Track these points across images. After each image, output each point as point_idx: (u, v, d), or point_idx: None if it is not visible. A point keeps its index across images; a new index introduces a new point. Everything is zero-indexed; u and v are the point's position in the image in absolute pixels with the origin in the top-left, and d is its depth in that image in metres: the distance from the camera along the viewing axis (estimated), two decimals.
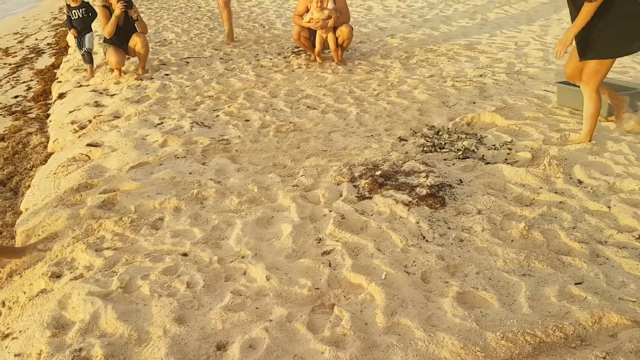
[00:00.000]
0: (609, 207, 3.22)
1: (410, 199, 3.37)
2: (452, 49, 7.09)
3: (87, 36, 6.89)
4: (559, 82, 4.92)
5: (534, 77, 5.77)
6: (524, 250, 2.83)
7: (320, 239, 3.06)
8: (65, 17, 7.27)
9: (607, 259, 2.79)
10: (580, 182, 3.54)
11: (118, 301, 2.63)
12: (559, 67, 6.01)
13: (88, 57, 6.98)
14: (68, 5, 6.85)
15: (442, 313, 2.43)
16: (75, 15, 6.81)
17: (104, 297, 2.66)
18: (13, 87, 7.93)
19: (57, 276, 2.93)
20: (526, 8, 9.06)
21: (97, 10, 6.70)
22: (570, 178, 3.59)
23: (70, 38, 7.43)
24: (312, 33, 6.75)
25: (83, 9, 6.84)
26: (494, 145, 4.15)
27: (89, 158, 4.46)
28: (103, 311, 2.54)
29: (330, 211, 3.32)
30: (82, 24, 6.87)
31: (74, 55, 8.09)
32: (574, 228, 3.04)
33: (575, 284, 2.59)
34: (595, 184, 3.48)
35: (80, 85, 6.79)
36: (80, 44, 6.93)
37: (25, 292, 2.87)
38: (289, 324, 2.41)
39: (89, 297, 2.64)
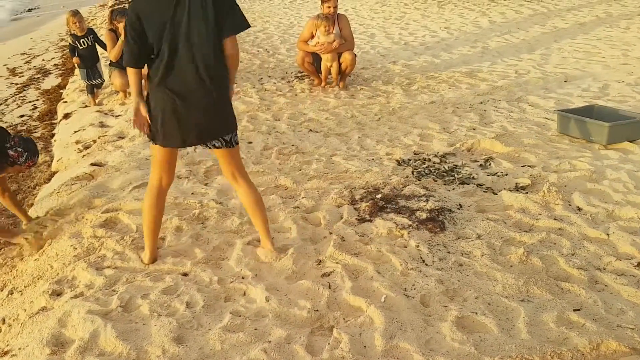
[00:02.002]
0: (608, 234, 3.24)
1: (410, 223, 3.39)
2: (453, 76, 7.18)
3: (98, 66, 6.83)
4: (559, 110, 4.98)
5: (534, 104, 5.84)
6: (523, 276, 2.85)
7: (320, 261, 3.07)
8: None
9: (605, 285, 2.80)
10: (579, 209, 3.57)
11: (118, 320, 2.64)
12: (559, 95, 6.09)
13: (98, 87, 6.87)
14: (73, 35, 6.66)
15: (441, 337, 2.44)
16: (83, 45, 6.65)
17: (103, 315, 2.67)
18: (19, 106, 8.01)
19: (57, 294, 2.94)
20: (527, 37, 9.20)
21: (104, 33, 6.76)
22: (569, 205, 3.62)
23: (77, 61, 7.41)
24: (315, 58, 6.85)
25: (91, 36, 6.70)
26: (494, 171, 4.19)
27: (93, 177, 4.50)
28: (102, 330, 2.55)
29: (331, 233, 3.35)
30: (90, 53, 6.71)
31: (80, 77, 8.19)
32: (572, 254, 3.06)
33: (574, 310, 2.60)
34: (594, 211, 3.51)
35: (86, 106, 6.86)
36: (90, 76, 6.71)
37: (25, 310, 2.88)
38: (288, 345, 2.42)
39: (88, 316, 2.65)
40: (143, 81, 2.91)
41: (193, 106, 2.82)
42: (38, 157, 3.81)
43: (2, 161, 3.61)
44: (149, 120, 2.86)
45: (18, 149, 3.64)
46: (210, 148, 2.98)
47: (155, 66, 2.80)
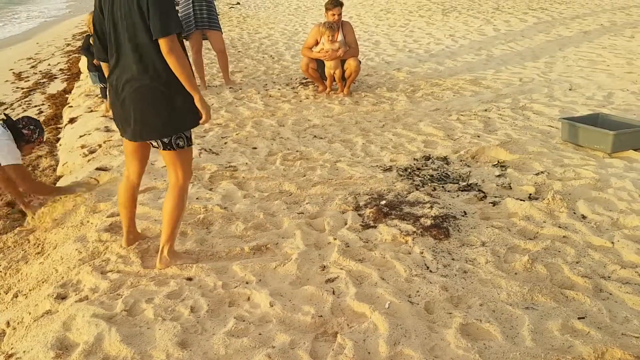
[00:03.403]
0: (613, 242, 3.23)
1: (414, 229, 3.39)
2: (457, 84, 7.20)
3: None
4: (563, 118, 4.98)
5: (539, 112, 5.84)
6: (527, 283, 2.84)
7: (324, 267, 3.08)
8: (78, 45, 7.08)
9: (610, 294, 2.80)
10: (583, 217, 3.57)
11: (122, 324, 2.64)
12: (563, 103, 6.09)
13: (105, 92, 6.87)
14: (91, 35, 6.70)
15: (445, 344, 2.44)
16: None
17: (108, 319, 2.67)
18: (25, 110, 8.05)
19: (62, 297, 2.95)
20: (531, 45, 9.21)
21: None
22: (574, 213, 3.61)
23: (83, 65, 7.42)
24: (319, 65, 6.87)
25: None
26: (498, 178, 4.19)
27: (98, 182, 4.51)
28: (107, 334, 2.55)
29: (335, 239, 3.35)
30: None
31: (86, 81, 8.22)
32: (577, 262, 3.06)
33: (579, 318, 2.59)
34: (598, 220, 3.50)
35: (91, 111, 6.90)
36: (101, 79, 6.55)
37: (30, 313, 2.89)
38: (292, 351, 2.42)
39: (93, 319, 2.65)
40: None
41: (123, 103, 2.90)
42: (44, 134, 4.34)
43: (20, 140, 4.10)
44: None
45: (30, 127, 4.17)
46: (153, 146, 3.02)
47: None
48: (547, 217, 3.55)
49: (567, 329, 2.52)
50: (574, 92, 6.54)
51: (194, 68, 7.70)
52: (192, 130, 3.01)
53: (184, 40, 7.15)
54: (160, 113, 2.85)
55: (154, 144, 2.96)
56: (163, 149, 2.95)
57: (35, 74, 10.78)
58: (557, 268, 3.01)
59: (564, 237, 3.33)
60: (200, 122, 2.95)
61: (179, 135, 2.93)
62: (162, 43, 2.73)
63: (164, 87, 2.82)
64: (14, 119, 4.19)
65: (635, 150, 4.63)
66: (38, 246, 3.77)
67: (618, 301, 2.74)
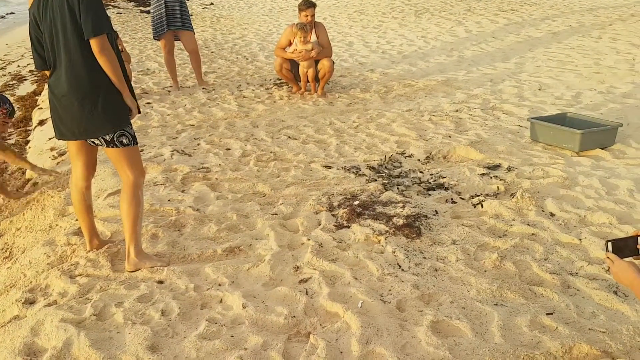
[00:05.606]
0: (580, 239, 3.30)
1: (387, 229, 3.42)
2: (429, 85, 7.27)
3: None
4: (532, 118, 5.07)
5: (509, 112, 5.94)
6: (496, 281, 2.89)
7: (297, 267, 3.08)
8: None
9: (577, 290, 2.86)
10: (552, 214, 3.63)
11: (91, 328, 2.61)
12: (533, 103, 6.20)
13: None
14: None
15: (417, 342, 2.46)
16: None
17: (77, 324, 2.63)
18: None
19: (30, 302, 2.89)
20: (502, 46, 9.36)
21: None
22: (543, 211, 3.68)
23: None
24: (293, 65, 6.87)
25: None
26: (468, 177, 4.24)
27: (67, 185, 4.43)
28: (76, 338, 2.52)
29: (309, 239, 3.35)
30: None
31: None
32: (545, 259, 3.11)
33: (547, 314, 2.64)
34: (566, 217, 3.58)
35: None
36: None
37: None
38: (264, 352, 2.42)
39: (62, 324, 2.61)
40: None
41: (63, 106, 2.92)
42: (8, 102, 4.36)
43: None
44: None
45: None
46: (91, 145, 3.05)
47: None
48: (516, 215, 3.61)
49: (536, 325, 2.56)
50: (543, 92, 6.66)
51: (166, 68, 7.65)
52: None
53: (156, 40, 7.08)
54: (95, 113, 2.88)
55: (97, 142, 2.98)
56: (107, 147, 2.97)
57: (5, 75, 10.53)
58: (525, 265, 3.06)
59: (532, 234, 3.39)
60: (131, 116, 3.03)
61: (122, 133, 2.96)
62: (94, 43, 2.78)
63: (90, 90, 2.86)
64: None
65: (602, 148, 4.74)
66: (6, 250, 3.69)
67: (585, 297, 2.80)
